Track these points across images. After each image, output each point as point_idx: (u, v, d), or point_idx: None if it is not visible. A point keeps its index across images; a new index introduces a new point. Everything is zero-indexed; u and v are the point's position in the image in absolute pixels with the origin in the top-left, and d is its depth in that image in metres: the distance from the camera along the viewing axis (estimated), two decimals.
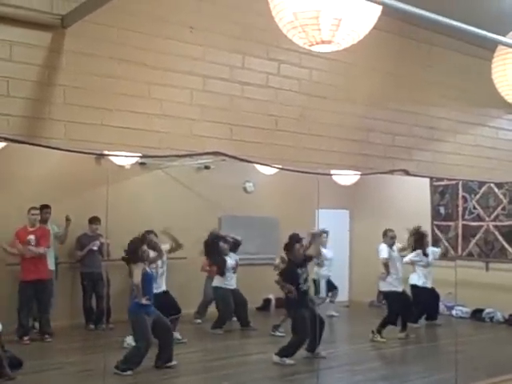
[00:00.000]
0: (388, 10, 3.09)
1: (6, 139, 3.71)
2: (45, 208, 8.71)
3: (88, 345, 8.21)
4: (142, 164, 9.87)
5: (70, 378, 6.62)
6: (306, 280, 7.64)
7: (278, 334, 8.63)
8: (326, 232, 10.05)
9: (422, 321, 9.93)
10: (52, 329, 8.32)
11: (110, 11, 3.84)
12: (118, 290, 9.35)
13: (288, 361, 7.12)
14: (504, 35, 3.98)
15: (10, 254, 8.35)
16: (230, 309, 9.32)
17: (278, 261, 8.72)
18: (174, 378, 6.78)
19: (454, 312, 10.62)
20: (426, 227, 11.66)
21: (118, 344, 7.44)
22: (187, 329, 8.91)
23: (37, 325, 8.46)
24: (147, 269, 6.91)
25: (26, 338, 7.96)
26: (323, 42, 3.21)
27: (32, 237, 8.20)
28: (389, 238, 9.15)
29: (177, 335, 8.18)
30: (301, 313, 7.32)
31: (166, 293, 8.01)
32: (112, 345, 7.46)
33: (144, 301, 6.61)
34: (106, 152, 4.50)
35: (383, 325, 8.80)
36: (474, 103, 6.15)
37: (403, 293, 9.14)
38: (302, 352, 7.36)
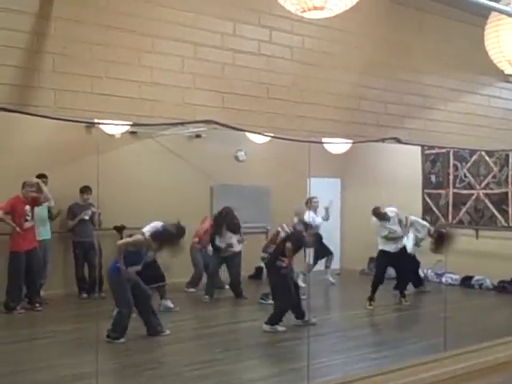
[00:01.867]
0: None
1: None
2: (41, 177, 8.66)
3: (81, 313, 8.25)
4: (132, 133, 9.82)
5: (63, 346, 6.67)
6: None
7: (268, 301, 8.70)
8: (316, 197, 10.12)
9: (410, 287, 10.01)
10: (42, 298, 8.37)
11: None
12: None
13: (279, 328, 7.21)
14: (497, 1, 3.95)
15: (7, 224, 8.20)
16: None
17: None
18: (167, 345, 6.85)
19: (443, 279, 10.73)
20: (417, 195, 11.77)
21: (110, 313, 7.48)
22: (180, 297, 8.99)
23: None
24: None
25: (18, 308, 7.99)
26: (315, 8, 3.18)
27: (28, 207, 8.22)
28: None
29: (168, 303, 8.23)
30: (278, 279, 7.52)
31: (153, 261, 8.01)
32: (104, 313, 7.49)
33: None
34: (96, 120, 4.46)
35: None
36: (466, 71, 6.13)
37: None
38: (293, 319, 7.45)
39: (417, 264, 10.17)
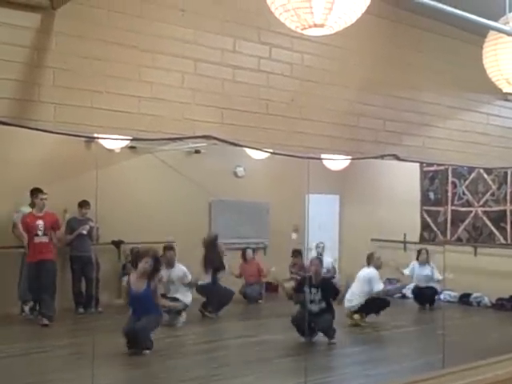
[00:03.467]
0: None
1: None
2: (37, 192, 8.65)
3: (77, 328, 8.21)
4: (132, 148, 9.83)
5: (59, 360, 6.62)
6: None
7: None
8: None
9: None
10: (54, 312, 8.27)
11: None
12: (107, 274, 9.37)
13: None
14: (496, 20, 3.98)
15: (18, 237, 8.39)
16: None
17: None
18: (167, 359, 6.81)
19: (442, 296, 10.69)
20: (416, 212, 11.77)
21: (107, 327, 7.46)
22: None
23: (26, 308, 8.46)
24: None
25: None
26: (315, 26, 3.19)
27: (41, 222, 8.22)
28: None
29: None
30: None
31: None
32: (101, 328, 7.46)
33: None
34: (96, 135, 4.48)
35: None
36: (464, 89, 6.16)
37: None
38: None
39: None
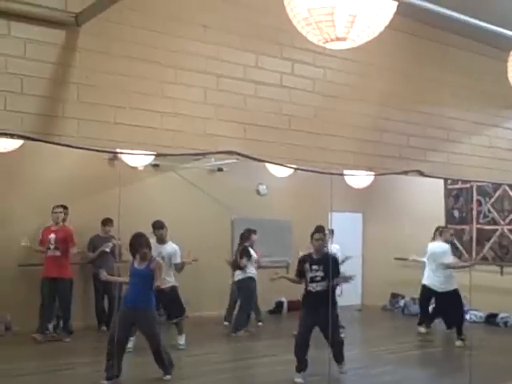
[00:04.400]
0: (403, 9, 3.06)
1: (19, 136, 3.71)
2: (61, 208, 8.74)
3: (100, 346, 8.16)
4: (154, 166, 9.89)
5: (82, 378, 6.61)
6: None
7: None
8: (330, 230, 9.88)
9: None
10: (72, 328, 8.49)
11: (123, 9, 3.86)
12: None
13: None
14: None
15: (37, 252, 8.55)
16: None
17: None
18: (186, 379, 6.76)
19: (467, 316, 10.51)
20: None
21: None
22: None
23: (50, 326, 8.50)
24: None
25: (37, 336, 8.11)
26: (338, 39, 3.18)
27: (53, 236, 8.35)
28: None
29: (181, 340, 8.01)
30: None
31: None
32: None
33: None
34: (119, 150, 4.50)
35: None
36: (489, 104, 6.10)
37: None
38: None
39: None
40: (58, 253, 8.38)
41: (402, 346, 8.64)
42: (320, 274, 6.59)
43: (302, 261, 6.81)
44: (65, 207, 8.74)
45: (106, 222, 9.18)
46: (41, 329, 8.23)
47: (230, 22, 4.42)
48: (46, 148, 4.03)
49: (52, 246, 8.35)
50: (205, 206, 10.57)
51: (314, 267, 6.62)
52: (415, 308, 11.36)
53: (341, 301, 10.39)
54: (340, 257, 9.90)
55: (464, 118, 5.94)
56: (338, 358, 6.78)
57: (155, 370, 6.39)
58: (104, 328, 9.00)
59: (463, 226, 11.41)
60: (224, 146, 4.41)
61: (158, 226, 8.00)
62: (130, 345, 7.00)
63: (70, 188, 9.07)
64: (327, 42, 3.22)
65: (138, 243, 6.42)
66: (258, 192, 11.48)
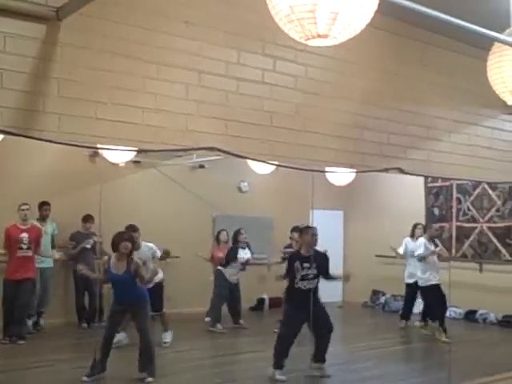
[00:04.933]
0: (384, 8, 3.08)
1: None
2: (44, 205, 8.66)
3: (80, 343, 8.17)
4: (136, 162, 9.84)
5: (62, 375, 6.58)
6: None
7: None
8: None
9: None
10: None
11: (105, 4, 3.85)
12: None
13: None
14: (500, 33, 3.98)
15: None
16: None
17: None
18: (173, 374, 6.75)
19: (447, 313, 10.60)
20: None
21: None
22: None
23: (29, 323, 8.41)
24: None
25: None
26: (319, 36, 3.19)
27: (25, 235, 7.97)
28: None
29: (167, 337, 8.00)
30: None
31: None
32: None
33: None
34: (100, 146, 4.48)
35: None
36: (469, 102, 6.16)
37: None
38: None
39: None
40: (30, 253, 7.98)
41: (382, 342, 8.69)
42: (312, 271, 6.53)
43: (292, 259, 6.72)
44: (46, 203, 8.65)
45: (87, 219, 9.12)
46: (5, 332, 7.78)
47: (213, 18, 4.42)
48: (26, 143, 3.99)
49: (25, 246, 7.93)
50: (186, 202, 10.56)
51: (306, 265, 6.53)
52: (396, 304, 11.46)
53: (322, 298, 10.49)
54: None
55: (444, 117, 6.00)
56: (322, 356, 6.74)
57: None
58: (84, 325, 8.97)
59: (443, 224, 11.51)
60: (205, 143, 4.42)
61: (131, 229, 7.76)
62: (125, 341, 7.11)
63: (50, 183, 9.01)
64: (309, 39, 3.23)
65: (122, 239, 6.24)
66: (240, 189, 11.49)
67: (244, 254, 9.60)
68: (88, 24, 3.86)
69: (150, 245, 7.80)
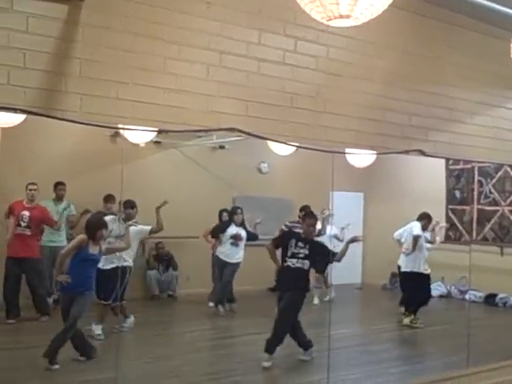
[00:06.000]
0: None
1: (21, 111, 3.71)
2: (59, 185, 8.71)
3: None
4: (156, 142, 9.88)
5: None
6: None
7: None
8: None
9: None
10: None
11: None
12: (132, 268, 9.43)
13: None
14: None
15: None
16: None
17: None
18: (187, 354, 6.82)
19: (467, 296, 10.57)
20: (441, 211, 11.64)
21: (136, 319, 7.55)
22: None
23: (50, 300, 8.43)
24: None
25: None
26: (341, 17, 3.17)
27: (26, 213, 7.88)
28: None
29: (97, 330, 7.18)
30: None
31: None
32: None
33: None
34: (121, 126, 4.50)
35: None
36: (492, 84, 6.08)
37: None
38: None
39: None
40: (27, 232, 7.87)
41: (400, 325, 8.69)
42: (304, 251, 6.38)
43: (288, 235, 6.69)
44: (61, 183, 8.66)
45: (109, 199, 9.15)
46: (12, 312, 7.64)
47: None
48: (47, 123, 4.02)
49: (23, 224, 7.85)
50: (206, 183, 10.58)
51: (300, 244, 6.41)
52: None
53: (341, 279, 10.53)
54: (341, 236, 9.96)
55: (467, 98, 5.93)
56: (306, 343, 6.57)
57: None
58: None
59: (464, 207, 11.42)
60: (226, 123, 4.42)
61: (129, 205, 7.68)
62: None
63: (72, 164, 9.06)
64: (330, 19, 3.21)
65: (97, 225, 6.09)
66: (260, 170, 11.46)
67: (234, 230, 9.29)
68: (109, 4, 3.87)
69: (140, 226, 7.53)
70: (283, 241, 6.58)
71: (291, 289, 6.36)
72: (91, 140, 8.54)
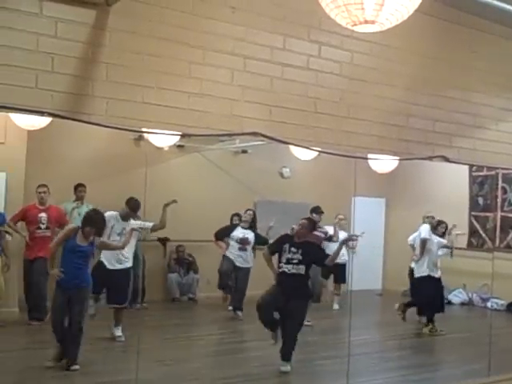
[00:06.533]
0: None
1: (49, 114, 3.78)
2: (79, 186, 8.75)
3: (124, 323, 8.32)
4: (179, 146, 9.95)
5: (105, 352, 6.73)
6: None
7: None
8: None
9: None
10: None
11: None
12: (153, 270, 9.51)
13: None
14: None
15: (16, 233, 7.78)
16: None
17: None
18: (205, 357, 6.84)
19: (488, 304, 10.48)
20: (464, 218, 11.55)
21: (152, 322, 7.57)
22: None
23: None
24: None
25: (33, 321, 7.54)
26: (366, 22, 3.18)
27: (44, 214, 7.85)
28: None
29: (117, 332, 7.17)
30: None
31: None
32: (146, 323, 7.59)
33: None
34: (145, 129, 4.55)
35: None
36: None
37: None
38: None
39: None
40: (48, 233, 7.80)
41: (420, 332, 8.64)
42: (298, 257, 6.30)
43: (282, 240, 6.58)
44: (82, 185, 8.67)
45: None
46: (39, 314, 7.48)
47: (259, 3, 4.44)
48: (73, 126, 4.09)
49: (43, 226, 7.83)
50: (228, 187, 10.62)
51: (293, 249, 6.34)
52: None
53: (362, 284, 10.48)
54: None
55: (491, 104, 5.90)
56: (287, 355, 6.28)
57: None
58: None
59: (487, 214, 11.32)
60: (249, 128, 4.45)
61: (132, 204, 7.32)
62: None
63: (96, 166, 9.16)
64: (355, 24, 3.22)
65: (98, 220, 5.94)
66: (282, 175, 11.44)
67: (240, 234, 9.20)
68: (136, 9, 3.93)
69: (139, 221, 7.50)
70: (278, 246, 6.54)
71: (291, 298, 6.23)
72: (115, 143, 8.64)
